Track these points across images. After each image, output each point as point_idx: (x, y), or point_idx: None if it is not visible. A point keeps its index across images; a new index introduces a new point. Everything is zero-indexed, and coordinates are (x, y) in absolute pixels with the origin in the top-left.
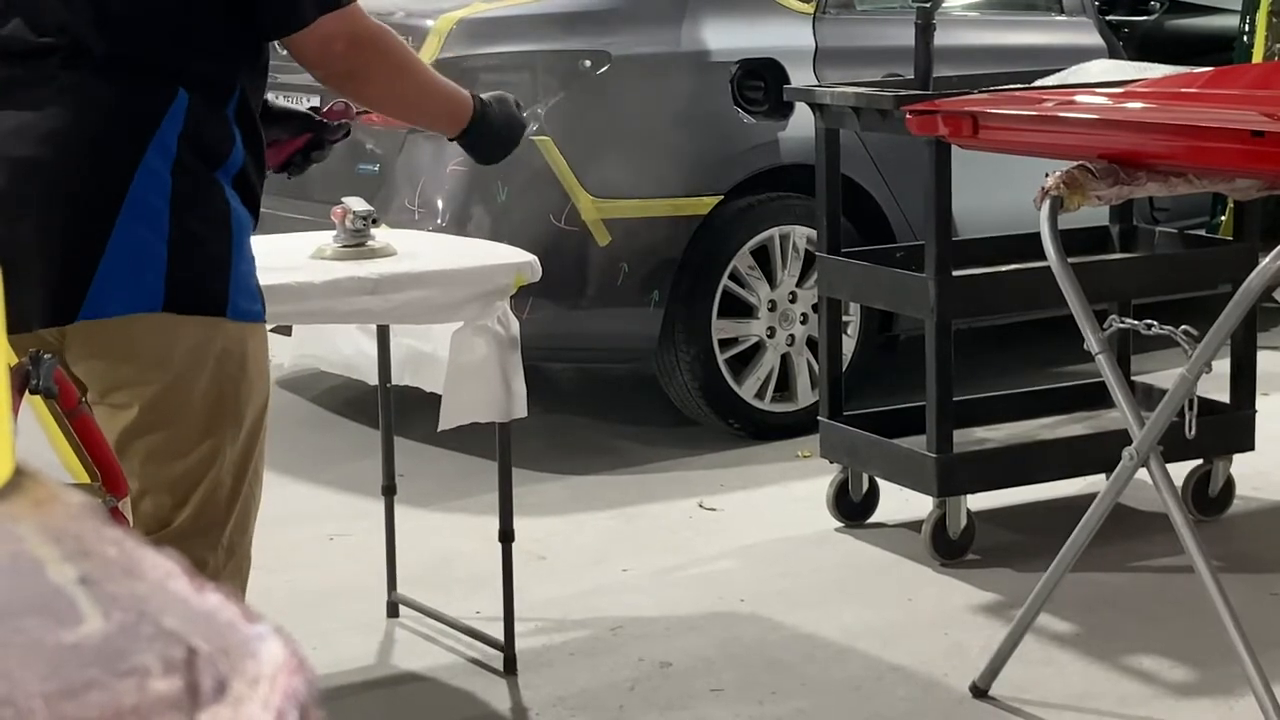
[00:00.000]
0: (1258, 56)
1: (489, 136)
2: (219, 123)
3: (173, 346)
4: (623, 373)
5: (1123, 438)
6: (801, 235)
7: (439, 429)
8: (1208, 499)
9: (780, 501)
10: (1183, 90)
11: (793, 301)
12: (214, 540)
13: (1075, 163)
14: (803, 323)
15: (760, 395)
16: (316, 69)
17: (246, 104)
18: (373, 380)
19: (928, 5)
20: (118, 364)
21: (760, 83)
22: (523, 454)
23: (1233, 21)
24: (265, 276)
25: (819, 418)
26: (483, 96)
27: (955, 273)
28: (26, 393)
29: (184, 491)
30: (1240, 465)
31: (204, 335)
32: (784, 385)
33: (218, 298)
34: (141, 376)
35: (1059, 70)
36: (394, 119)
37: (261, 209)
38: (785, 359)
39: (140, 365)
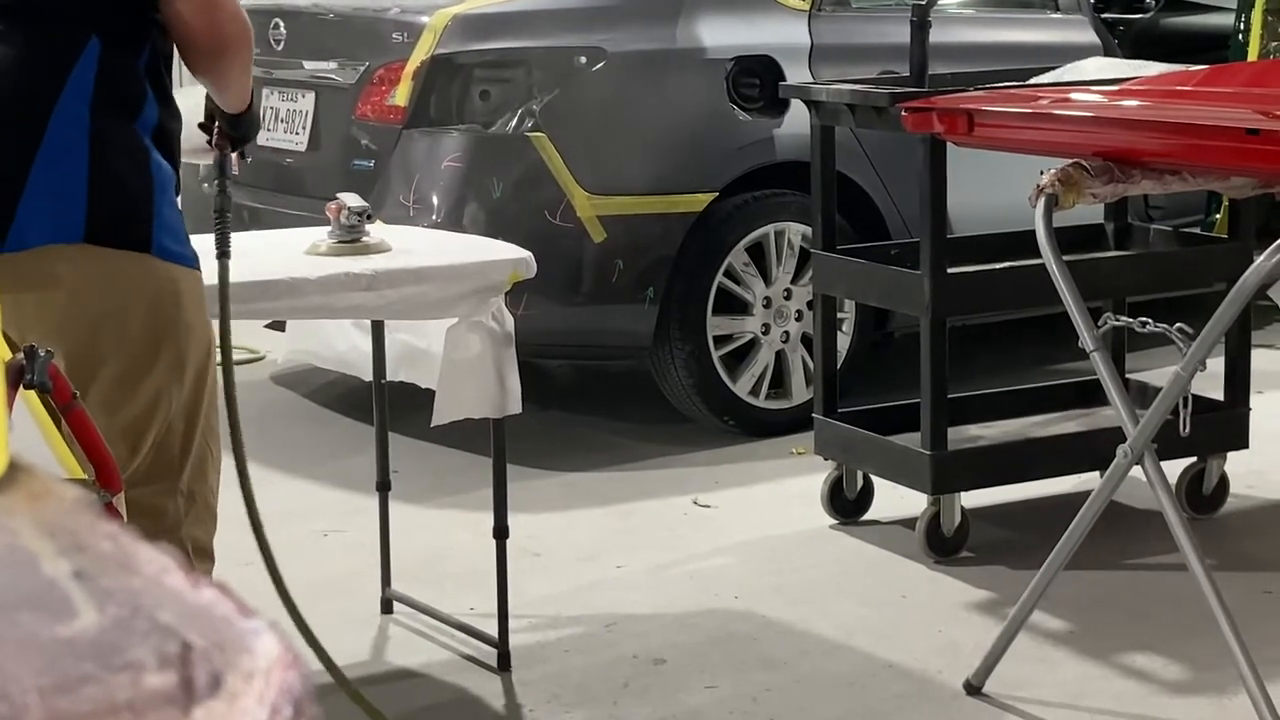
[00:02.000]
0: (1253, 54)
1: (251, 121)
2: (131, 75)
3: (97, 277)
4: (617, 369)
5: (1117, 435)
6: (796, 232)
7: (432, 424)
8: (1202, 497)
9: (774, 498)
10: (1178, 88)
11: (788, 298)
12: (171, 486)
13: (1070, 160)
14: (798, 320)
15: (755, 392)
16: (194, 38)
17: (157, 64)
18: (367, 376)
19: (923, 2)
20: (45, 294)
21: (756, 80)
22: (517, 450)
23: (1228, 19)
24: (260, 271)
25: (813, 415)
26: None
27: (950, 270)
28: (20, 387)
29: (135, 437)
30: (1234, 463)
31: (131, 270)
32: (779, 382)
33: (140, 234)
34: (70, 307)
35: (1054, 68)
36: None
37: (257, 205)
38: (780, 356)
39: (66, 293)
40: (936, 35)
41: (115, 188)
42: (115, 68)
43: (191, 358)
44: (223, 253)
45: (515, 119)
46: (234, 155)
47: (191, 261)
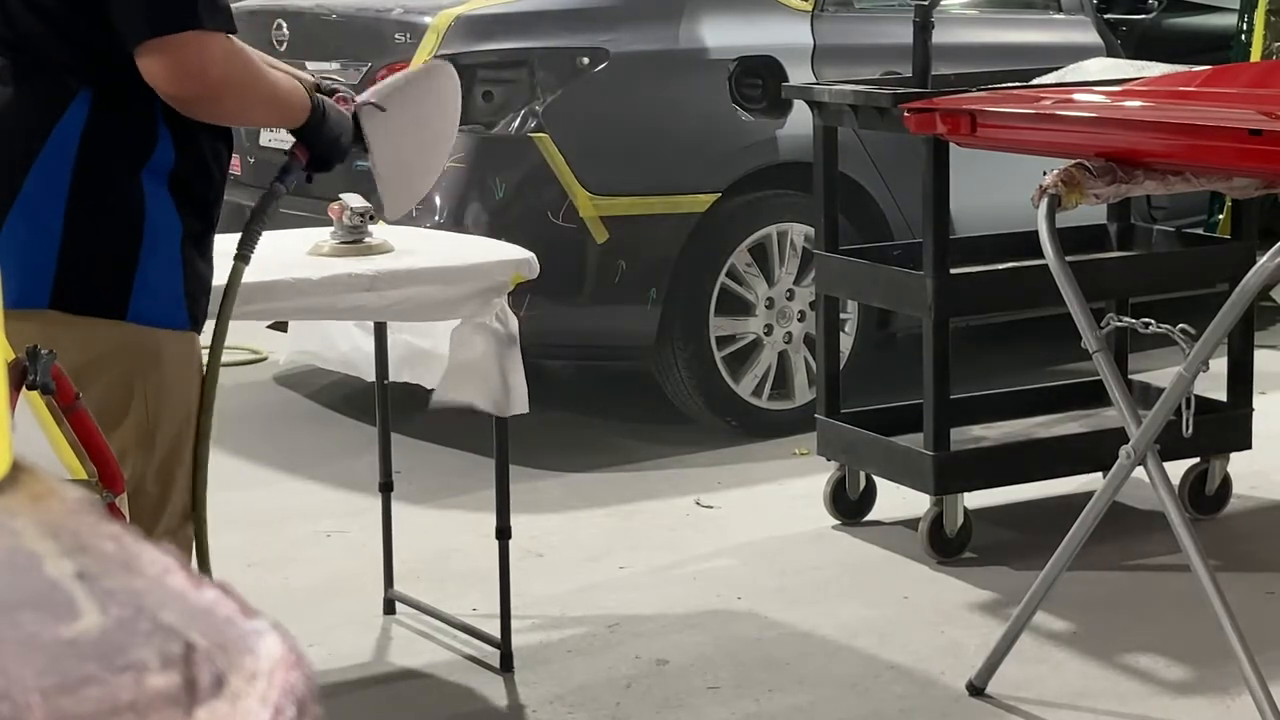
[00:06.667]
0: (1255, 55)
1: (324, 135)
2: (136, 121)
3: (67, 341)
4: (620, 370)
5: (1120, 436)
6: (799, 233)
7: (430, 404)
8: (1205, 497)
9: (777, 499)
10: (1180, 89)
11: (790, 299)
12: None
13: (1073, 161)
14: (800, 320)
15: (757, 393)
16: (167, 97)
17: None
18: (370, 377)
19: (926, 3)
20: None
21: (758, 80)
22: (520, 451)
23: (1231, 20)
24: (262, 272)
25: (816, 415)
26: (320, 97)
27: (953, 271)
28: (24, 388)
29: None
30: (1237, 464)
31: (102, 335)
32: (781, 383)
33: (113, 300)
34: None
35: (1057, 68)
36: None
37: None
38: (782, 356)
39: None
40: (939, 36)
41: (89, 251)
42: (112, 117)
43: (165, 423)
44: (241, 256)
45: (518, 120)
46: (300, 168)
47: (179, 323)
